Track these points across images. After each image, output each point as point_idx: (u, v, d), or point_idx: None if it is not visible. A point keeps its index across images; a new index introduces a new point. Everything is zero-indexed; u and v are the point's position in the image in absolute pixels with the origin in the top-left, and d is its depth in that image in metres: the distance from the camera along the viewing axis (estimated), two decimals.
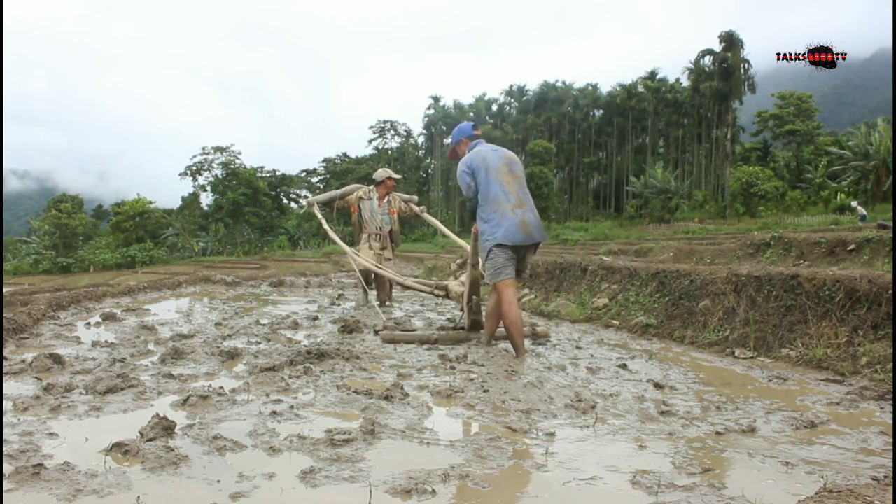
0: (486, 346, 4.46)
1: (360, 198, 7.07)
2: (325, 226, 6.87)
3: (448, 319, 5.81)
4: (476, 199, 4.23)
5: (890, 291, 3.76)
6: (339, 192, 7.29)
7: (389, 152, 53.83)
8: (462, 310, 4.96)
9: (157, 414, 2.35)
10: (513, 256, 4.13)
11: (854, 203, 29.80)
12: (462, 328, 4.80)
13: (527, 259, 4.26)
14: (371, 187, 7.18)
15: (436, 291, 5.81)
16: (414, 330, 5.03)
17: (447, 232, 7.56)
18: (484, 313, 4.70)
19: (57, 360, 3.45)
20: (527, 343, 4.40)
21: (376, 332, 4.87)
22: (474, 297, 4.62)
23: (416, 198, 7.65)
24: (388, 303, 7.31)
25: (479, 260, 4.45)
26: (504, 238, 4.06)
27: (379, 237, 7.03)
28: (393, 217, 7.17)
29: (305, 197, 51.82)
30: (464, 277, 5.35)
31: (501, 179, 4.17)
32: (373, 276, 7.08)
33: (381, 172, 7.23)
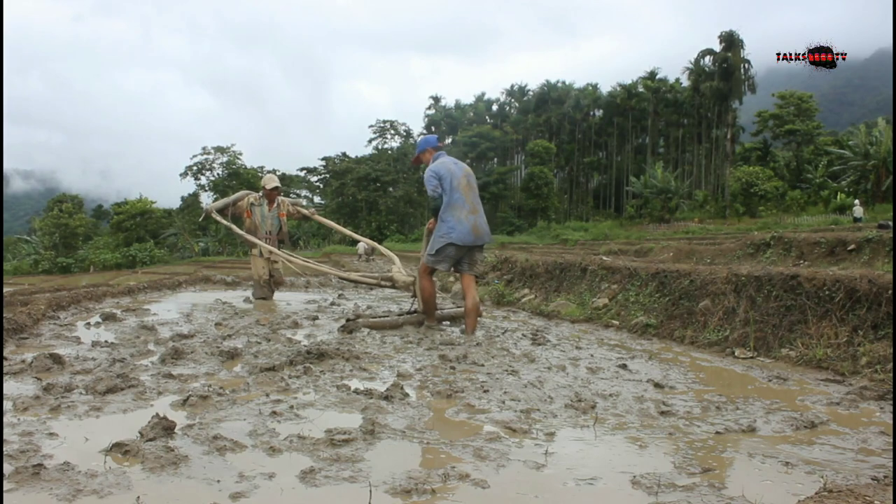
0: (469, 331, 4.96)
1: (252, 203, 7.47)
2: (237, 230, 7.41)
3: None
4: (440, 200, 4.96)
5: (890, 291, 3.76)
6: (232, 198, 7.76)
7: (389, 152, 53.70)
8: (414, 295, 5.59)
9: (157, 414, 2.35)
10: (456, 256, 4.98)
11: (856, 201, 29.82)
12: (416, 311, 5.41)
13: (475, 256, 5.10)
14: (260, 193, 7.59)
15: (382, 283, 6.17)
16: (375, 317, 5.40)
17: (346, 231, 8.28)
18: (462, 305, 5.36)
19: (57, 360, 3.44)
20: (526, 343, 4.66)
21: (348, 321, 5.13)
22: None
23: (303, 201, 8.43)
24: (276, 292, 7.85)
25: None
26: (457, 239, 4.90)
27: (268, 241, 7.44)
28: (283, 219, 7.71)
29: (305, 196, 51.87)
30: (398, 266, 6.21)
31: (461, 189, 4.96)
32: (270, 277, 7.60)
33: (268, 180, 7.64)
